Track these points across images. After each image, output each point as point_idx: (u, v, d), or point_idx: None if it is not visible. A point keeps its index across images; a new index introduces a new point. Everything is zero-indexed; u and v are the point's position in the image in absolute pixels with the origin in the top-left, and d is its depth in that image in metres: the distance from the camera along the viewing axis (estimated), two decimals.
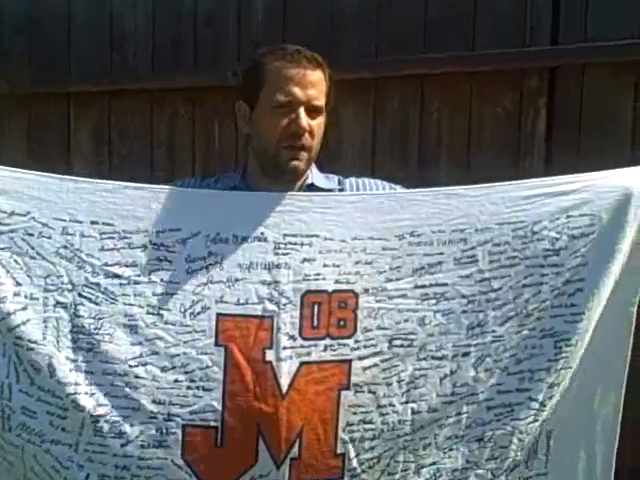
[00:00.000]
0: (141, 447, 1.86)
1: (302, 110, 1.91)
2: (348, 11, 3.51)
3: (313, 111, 1.94)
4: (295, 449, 1.87)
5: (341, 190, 2.07)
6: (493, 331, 1.93)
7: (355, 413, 1.89)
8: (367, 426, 1.90)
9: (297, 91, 1.91)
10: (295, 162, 1.94)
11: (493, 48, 3.43)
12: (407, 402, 1.91)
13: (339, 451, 1.89)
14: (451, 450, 1.95)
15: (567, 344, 1.93)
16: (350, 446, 1.89)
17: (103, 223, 1.88)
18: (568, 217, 1.93)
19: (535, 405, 1.94)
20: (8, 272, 1.85)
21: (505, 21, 3.43)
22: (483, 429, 1.95)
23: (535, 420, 1.95)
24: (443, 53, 3.44)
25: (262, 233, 1.89)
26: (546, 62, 3.43)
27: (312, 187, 2.04)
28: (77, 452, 1.87)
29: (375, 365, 1.90)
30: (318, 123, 1.96)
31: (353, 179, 2.11)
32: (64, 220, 1.87)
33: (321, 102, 1.95)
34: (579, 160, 3.38)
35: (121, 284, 1.87)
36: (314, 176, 2.06)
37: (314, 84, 1.93)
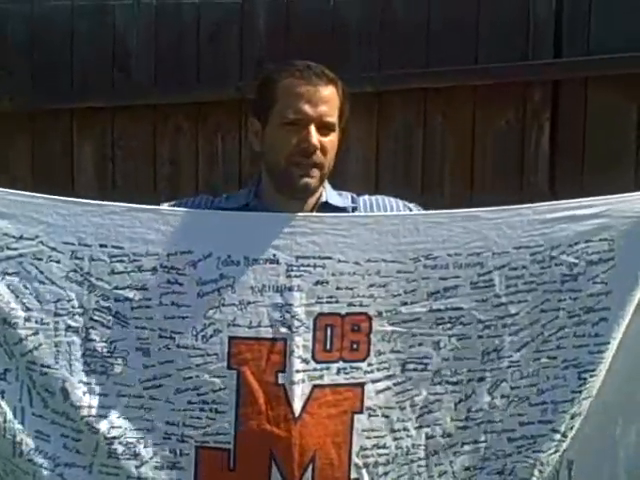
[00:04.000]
0: (155, 468, 1.86)
1: (313, 127, 1.89)
2: (350, 25, 3.51)
3: (324, 128, 1.92)
4: (308, 474, 1.85)
5: (354, 209, 2.04)
6: (509, 356, 1.91)
7: (369, 437, 1.88)
8: (381, 451, 1.88)
9: (307, 108, 1.89)
10: (306, 179, 1.92)
11: (496, 62, 3.43)
12: (421, 427, 1.90)
13: (353, 476, 1.88)
14: None
15: (591, 375, 1.91)
16: (364, 471, 1.88)
17: (112, 246, 1.87)
18: (587, 242, 1.91)
19: (557, 436, 1.92)
20: (18, 297, 1.84)
21: (507, 35, 3.44)
22: (504, 461, 1.92)
23: (556, 451, 1.93)
24: (446, 67, 3.45)
25: (274, 255, 1.88)
26: (549, 75, 3.44)
27: (326, 205, 2.01)
28: (91, 474, 1.86)
29: (388, 389, 1.88)
30: (330, 140, 1.93)
31: (367, 197, 2.08)
32: (73, 244, 1.86)
33: (333, 118, 1.93)
34: (583, 172, 3.40)
35: (132, 307, 1.86)
36: (328, 194, 2.03)
37: (325, 100, 1.91)
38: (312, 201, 1.99)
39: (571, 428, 1.93)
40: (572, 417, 1.92)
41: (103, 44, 3.58)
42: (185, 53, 3.58)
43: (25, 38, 3.59)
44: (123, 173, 3.63)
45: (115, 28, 3.58)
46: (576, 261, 1.91)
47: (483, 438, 1.92)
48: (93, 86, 3.63)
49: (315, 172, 1.93)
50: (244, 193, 2.08)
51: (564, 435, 1.92)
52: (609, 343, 1.90)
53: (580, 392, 1.91)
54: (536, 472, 1.93)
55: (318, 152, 1.91)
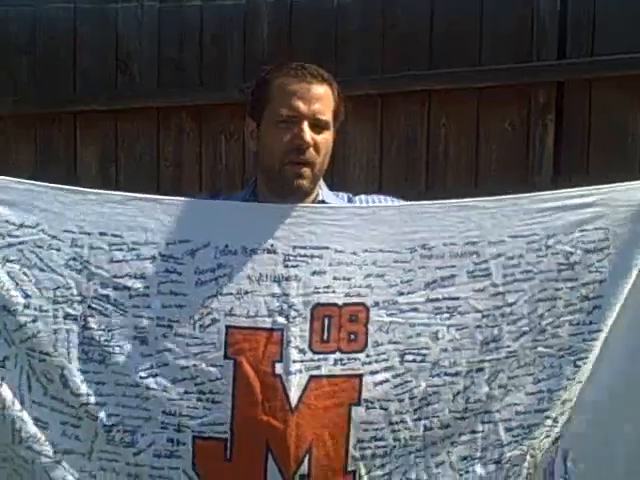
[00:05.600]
0: (153, 456, 1.86)
1: (306, 124, 1.89)
2: (353, 27, 3.52)
3: (318, 126, 1.91)
4: (305, 466, 1.85)
5: None
6: (508, 346, 1.90)
7: (366, 430, 1.87)
8: (378, 443, 1.87)
9: (300, 105, 1.90)
10: (299, 180, 1.92)
11: (499, 63, 3.43)
12: (419, 419, 1.89)
13: (350, 468, 1.87)
14: (467, 472, 1.92)
15: (584, 362, 1.91)
16: (361, 463, 1.87)
17: (112, 235, 1.87)
18: (582, 231, 1.91)
19: (549, 422, 1.92)
20: (18, 284, 1.85)
21: (511, 36, 3.44)
22: (501, 451, 1.92)
23: (547, 436, 1.93)
24: (449, 69, 3.44)
25: (272, 245, 1.88)
26: (553, 76, 3.44)
27: (322, 204, 2.01)
28: (90, 461, 1.87)
29: (387, 381, 1.87)
30: (324, 138, 1.93)
31: (363, 196, 2.09)
32: (73, 232, 1.87)
33: (326, 117, 1.93)
34: (588, 173, 3.38)
35: (130, 296, 1.86)
36: (324, 193, 2.04)
37: (319, 98, 1.91)
38: (308, 200, 1.98)
39: (562, 414, 1.93)
40: (563, 403, 1.92)
41: (106, 46, 3.60)
42: (188, 55, 3.59)
43: (28, 41, 3.61)
44: (126, 175, 3.64)
45: (118, 30, 3.60)
46: (572, 250, 1.91)
47: (481, 428, 1.91)
48: (96, 89, 3.64)
49: (307, 171, 1.92)
50: (241, 195, 2.09)
51: (555, 420, 1.93)
52: (602, 330, 1.91)
53: (573, 379, 1.91)
54: (528, 457, 1.93)
55: (311, 149, 1.90)
